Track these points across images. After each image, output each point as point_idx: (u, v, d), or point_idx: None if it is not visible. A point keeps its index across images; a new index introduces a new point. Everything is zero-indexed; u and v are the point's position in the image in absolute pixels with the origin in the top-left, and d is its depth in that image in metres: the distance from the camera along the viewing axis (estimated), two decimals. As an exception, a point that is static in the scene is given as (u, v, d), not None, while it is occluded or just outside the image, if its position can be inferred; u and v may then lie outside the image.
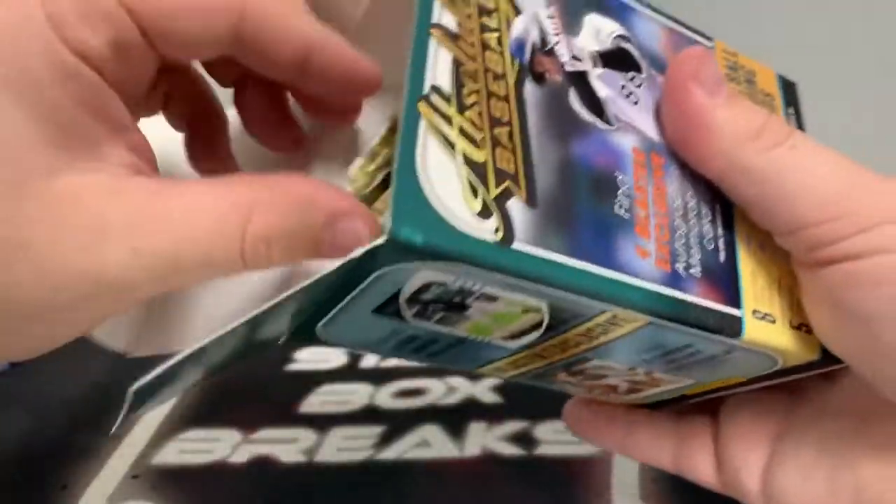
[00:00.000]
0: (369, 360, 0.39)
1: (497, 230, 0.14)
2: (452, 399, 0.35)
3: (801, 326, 0.18)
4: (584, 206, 0.15)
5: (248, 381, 0.37)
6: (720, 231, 0.18)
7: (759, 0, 0.58)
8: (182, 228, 0.15)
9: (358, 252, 0.13)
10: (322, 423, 0.34)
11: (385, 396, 0.36)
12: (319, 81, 0.18)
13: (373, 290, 0.15)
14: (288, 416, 0.34)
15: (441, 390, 0.36)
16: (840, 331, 0.17)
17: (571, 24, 0.17)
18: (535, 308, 0.15)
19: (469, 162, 0.14)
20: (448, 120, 0.14)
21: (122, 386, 0.13)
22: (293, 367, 0.39)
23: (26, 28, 0.14)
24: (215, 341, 0.15)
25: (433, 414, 0.34)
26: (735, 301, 0.17)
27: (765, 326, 0.17)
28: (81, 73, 0.15)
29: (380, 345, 0.18)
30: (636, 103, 0.17)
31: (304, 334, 0.17)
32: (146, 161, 0.16)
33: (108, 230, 0.14)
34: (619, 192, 0.16)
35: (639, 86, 0.18)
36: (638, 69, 0.18)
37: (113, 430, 0.18)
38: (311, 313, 0.16)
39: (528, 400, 0.35)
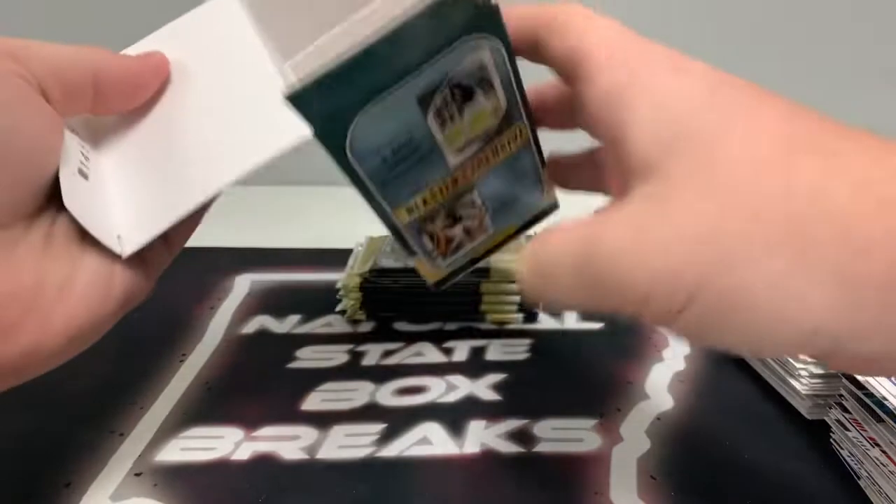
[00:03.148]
0: (370, 359, 0.39)
1: None
2: (452, 397, 0.36)
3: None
4: None
5: (251, 379, 0.38)
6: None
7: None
8: None
9: None
10: (323, 420, 0.34)
11: (386, 394, 0.36)
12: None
13: (425, 76, 0.21)
14: (290, 413, 0.35)
15: (441, 389, 0.36)
16: None
17: None
18: (500, 108, 0.23)
19: None
20: None
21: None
22: (295, 365, 0.39)
23: None
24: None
25: (433, 412, 0.35)
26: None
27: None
28: None
29: (377, 153, 0.22)
30: None
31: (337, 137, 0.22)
32: None
33: None
34: None
35: None
36: None
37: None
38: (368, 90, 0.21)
39: (526, 399, 0.35)
